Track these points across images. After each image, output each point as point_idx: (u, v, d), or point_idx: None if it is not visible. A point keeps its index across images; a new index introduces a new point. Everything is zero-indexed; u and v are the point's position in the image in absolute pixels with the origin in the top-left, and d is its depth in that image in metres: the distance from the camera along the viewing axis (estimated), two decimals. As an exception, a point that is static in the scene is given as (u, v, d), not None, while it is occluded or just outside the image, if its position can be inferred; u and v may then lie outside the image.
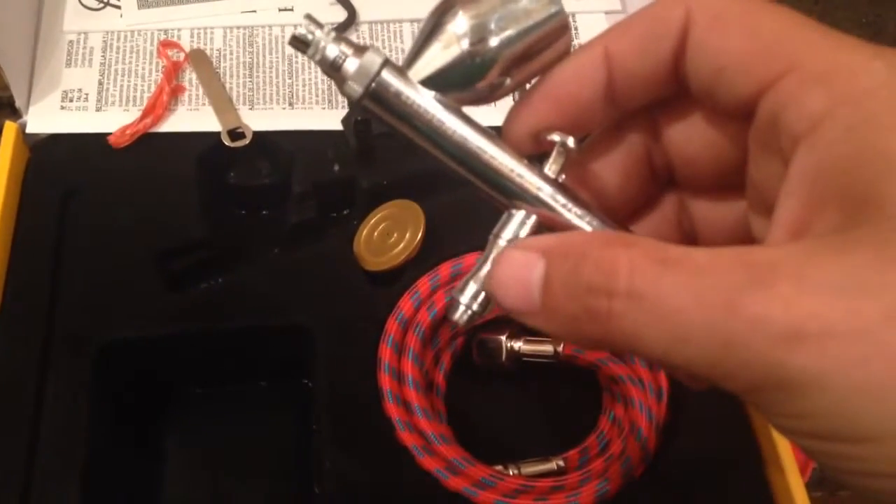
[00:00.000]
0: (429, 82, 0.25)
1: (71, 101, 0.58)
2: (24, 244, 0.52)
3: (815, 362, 0.18)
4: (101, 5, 0.62)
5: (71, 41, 0.61)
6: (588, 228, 0.26)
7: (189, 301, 0.51)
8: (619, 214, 0.28)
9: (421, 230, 0.51)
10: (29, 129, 0.57)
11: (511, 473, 0.48)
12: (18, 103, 0.57)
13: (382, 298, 0.51)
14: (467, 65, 0.25)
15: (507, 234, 0.26)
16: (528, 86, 0.27)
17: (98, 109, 0.58)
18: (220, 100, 0.58)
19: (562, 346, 0.50)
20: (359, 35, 0.62)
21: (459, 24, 0.25)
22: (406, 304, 0.50)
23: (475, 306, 0.26)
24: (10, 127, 0.55)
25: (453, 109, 0.26)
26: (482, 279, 0.26)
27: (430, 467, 0.46)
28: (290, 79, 0.60)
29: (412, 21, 0.63)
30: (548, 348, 0.50)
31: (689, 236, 0.29)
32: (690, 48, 0.24)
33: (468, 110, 0.26)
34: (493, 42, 0.25)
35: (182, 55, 0.60)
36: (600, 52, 0.26)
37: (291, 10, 0.63)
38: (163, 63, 0.59)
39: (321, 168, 0.55)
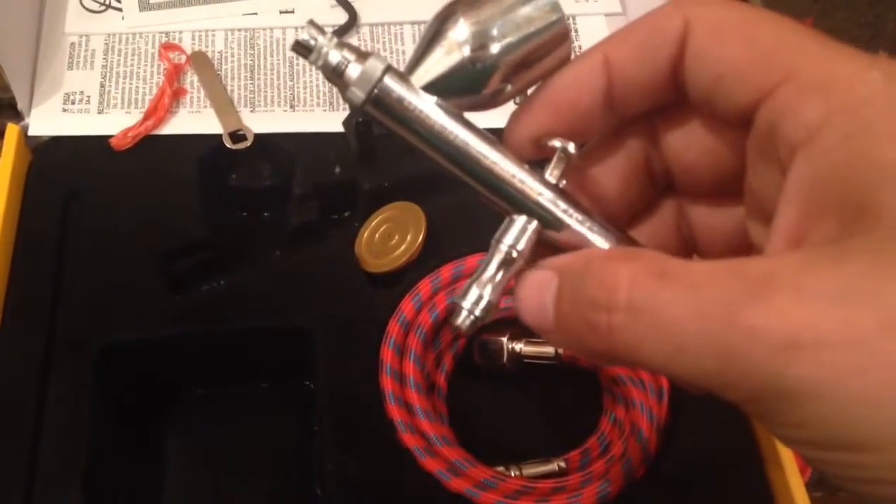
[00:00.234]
0: (430, 88, 0.26)
1: (73, 103, 0.58)
2: (25, 246, 0.52)
3: (811, 372, 0.18)
4: (103, 8, 0.62)
5: (73, 43, 0.61)
6: (588, 234, 0.26)
7: (190, 303, 0.51)
8: (619, 220, 0.29)
9: (422, 232, 0.51)
10: (31, 132, 0.57)
11: (512, 475, 0.48)
12: (20, 106, 0.57)
13: (384, 300, 0.51)
14: (469, 71, 0.25)
15: (508, 239, 0.26)
16: (528, 92, 0.27)
17: (100, 112, 0.58)
18: (222, 102, 0.58)
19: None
20: (360, 37, 0.62)
21: (461, 31, 0.25)
22: (407, 306, 0.50)
23: (477, 311, 0.26)
24: (12, 129, 0.55)
25: (455, 115, 0.26)
26: (484, 284, 0.26)
27: (432, 469, 0.46)
28: (291, 81, 0.60)
29: (413, 23, 0.63)
30: (549, 350, 0.51)
31: (687, 241, 0.29)
32: (689, 57, 0.24)
33: (470, 116, 0.27)
34: (495, 49, 0.25)
35: (183, 57, 0.60)
36: (600, 59, 0.26)
37: (292, 12, 0.63)
38: (164, 65, 0.59)
39: (322, 170, 0.55)
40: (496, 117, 0.28)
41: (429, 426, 0.47)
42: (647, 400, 0.48)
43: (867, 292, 0.18)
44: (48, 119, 0.58)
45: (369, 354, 0.49)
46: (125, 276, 0.52)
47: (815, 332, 0.18)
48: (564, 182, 0.26)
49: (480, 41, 0.25)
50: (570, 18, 0.64)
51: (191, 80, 0.60)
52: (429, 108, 0.26)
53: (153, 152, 0.56)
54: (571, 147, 0.26)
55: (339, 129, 0.56)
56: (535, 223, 0.26)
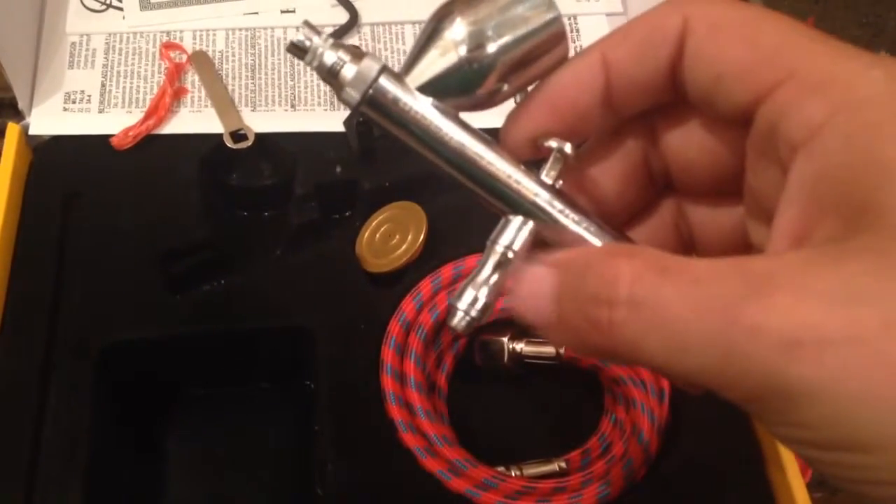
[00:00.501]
0: (426, 88, 0.25)
1: (74, 102, 0.58)
2: (26, 246, 0.52)
3: (813, 371, 0.18)
4: (104, 7, 0.62)
5: (73, 43, 0.61)
6: (585, 234, 0.26)
7: (191, 302, 0.51)
8: (617, 220, 0.29)
9: (423, 232, 0.51)
10: (32, 131, 0.57)
11: (513, 475, 0.48)
12: (21, 105, 0.57)
13: (384, 300, 0.51)
14: (465, 71, 0.25)
15: (504, 240, 0.26)
16: (526, 91, 0.27)
17: (101, 111, 0.58)
18: (223, 101, 0.58)
19: (563, 347, 0.50)
20: (361, 37, 0.62)
21: (457, 31, 0.25)
22: (408, 306, 0.50)
23: (473, 312, 0.26)
24: (12, 128, 0.55)
25: (451, 115, 0.26)
26: (479, 285, 0.26)
27: (433, 469, 0.46)
28: (292, 80, 0.60)
29: (414, 23, 0.63)
30: (550, 350, 0.51)
31: (686, 241, 0.29)
32: (688, 56, 0.24)
33: (466, 116, 0.26)
34: (491, 48, 0.25)
35: (184, 57, 0.60)
36: (598, 58, 0.26)
37: (293, 12, 0.63)
38: (165, 65, 0.59)
39: (323, 169, 0.55)
40: (493, 117, 0.27)
41: (429, 426, 0.47)
42: (648, 400, 0.48)
43: (870, 292, 0.18)
44: (49, 118, 0.58)
45: (370, 354, 0.49)
46: (126, 275, 0.52)
47: (816, 331, 0.18)
48: (561, 182, 0.26)
49: (477, 41, 0.25)
50: (571, 18, 0.64)
51: (192, 79, 0.60)
52: (424, 108, 0.25)
53: (154, 152, 0.56)
54: (568, 147, 0.26)
55: (340, 128, 0.56)
56: (531, 224, 0.26)
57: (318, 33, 0.25)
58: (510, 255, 0.26)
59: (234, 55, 0.61)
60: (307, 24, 0.25)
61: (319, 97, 0.60)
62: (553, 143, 0.26)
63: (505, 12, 0.25)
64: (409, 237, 0.52)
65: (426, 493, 0.46)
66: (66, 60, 0.60)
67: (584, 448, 0.51)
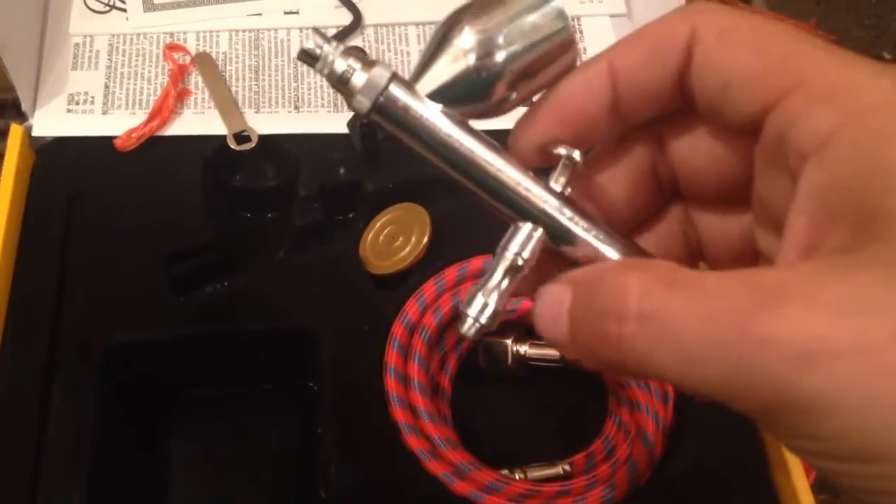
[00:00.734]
0: (436, 96, 0.26)
1: (77, 104, 0.58)
2: (30, 247, 0.52)
3: (824, 383, 0.18)
4: (107, 8, 0.62)
5: (77, 44, 0.61)
6: (594, 241, 0.26)
7: (195, 304, 0.51)
8: (625, 227, 0.29)
9: (427, 234, 0.51)
10: (35, 132, 0.57)
11: (517, 478, 0.48)
12: (24, 106, 0.57)
13: (388, 302, 0.51)
14: (474, 79, 0.25)
15: (513, 247, 0.26)
16: (534, 99, 0.27)
17: (104, 112, 0.58)
18: (226, 103, 0.58)
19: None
20: (364, 38, 0.62)
21: (466, 39, 0.25)
22: (412, 308, 0.50)
23: (483, 319, 0.26)
24: (16, 130, 0.55)
25: (460, 123, 0.26)
26: (489, 291, 0.26)
27: (437, 471, 0.46)
28: (295, 82, 0.60)
29: (417, 24, 0.63)
30: (554, 352, 0.51)
31: (694, 248, 0.29)
32: (696, 64, 0.24)
33: (475, 123, 0.26)
34: (500, 57, 0.25)
35: (188, 58, 0.60)
36: (606, 66, 0.26)
37: (297, 13, 0.63)
38: (169, 66, 0.59)
39: (327, 171, 0.55)
40: (501, 120, 0.27)
41: (433, 429, 0.47)
42: (652, 403, 0.48)
43: (880, 303, 0.18)
44: (52, 120, 0.57)
45: (373, 356, 0.49)
46: (129, 276, 0.52)
47: (827, 343, 0.18)
48: (570, 189, 0.26)
49: (486, 49, 0.25)
50: (575, 19, 0.64)
51: (195, 80, 0.60)
52: (434, 115, 0.26)
53: (157, 153, 0.56)
54: (577, 154, 0.26)
55: (344, 130, 0.56)
56: (540, 231, 0.26)
57: (328, 40, 0.25)
58: (520, 261, 0.26)
59: (237, 56, 0.61)
60: (316, 31, 0.25)
61: (323, 99, 0.60)
62: (562, 151, 0.26)
63: (515, 21, 0.25)
64: (413, 239, 0.52)
65: (430, 496, 0.46)
66: (69, 62, 0.60)
67: (589, 451, 0.51)
